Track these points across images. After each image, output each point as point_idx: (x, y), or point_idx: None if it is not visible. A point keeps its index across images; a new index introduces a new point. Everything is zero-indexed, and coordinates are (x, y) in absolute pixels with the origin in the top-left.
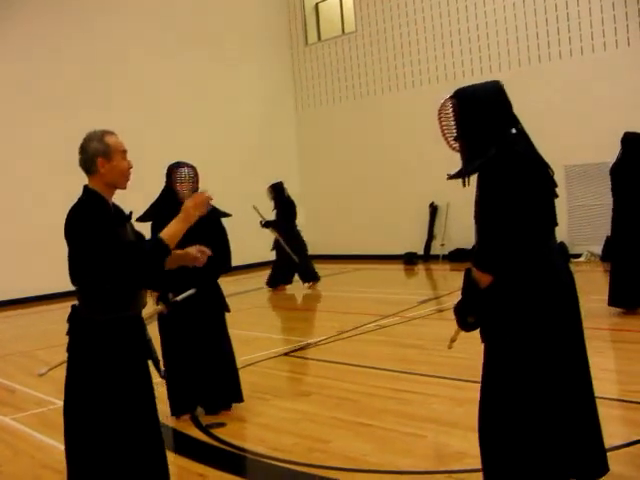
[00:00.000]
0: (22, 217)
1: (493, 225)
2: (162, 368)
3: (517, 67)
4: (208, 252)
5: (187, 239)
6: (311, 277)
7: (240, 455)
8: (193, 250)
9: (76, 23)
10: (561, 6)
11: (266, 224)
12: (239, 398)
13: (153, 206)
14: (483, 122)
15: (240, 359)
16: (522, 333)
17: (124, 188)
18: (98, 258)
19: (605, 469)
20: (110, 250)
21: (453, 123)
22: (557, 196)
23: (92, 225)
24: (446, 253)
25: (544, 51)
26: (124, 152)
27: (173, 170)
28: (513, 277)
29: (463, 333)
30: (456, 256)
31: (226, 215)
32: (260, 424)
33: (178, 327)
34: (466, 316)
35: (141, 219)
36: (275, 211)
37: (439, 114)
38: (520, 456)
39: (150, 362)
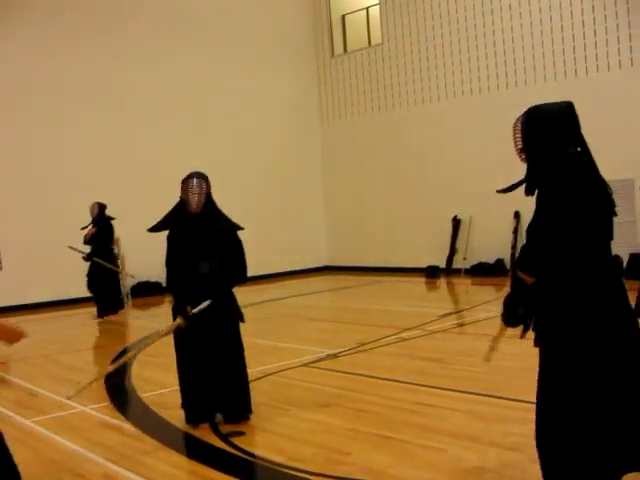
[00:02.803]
0: (34, 221)
1: (541, 234)
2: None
3: (542, 82)
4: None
5: (205, 251)
6: (119, 306)
7: (259, 464)
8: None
9: (95, 25)
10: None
11: (89, 257)
12: (248, 409)
13: (166, 216)
14: (543, 139)
15: (260, 368)
16: (572, 339)
17: None
18: None
19: None
20: None
21: (519, 136)
22: (616, 214)
23: None
24: (468, 267)
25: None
26: None
27: (184, 181)
28: (565, 283)
29: (484, 348)
30: (478, 270)
31: (239, 228)
32: (279, 434)
33: (193, 337)
34: (516, 308)
35: (154, 229)
36: (89, 231)
37: (514, 126)
38: (577, 451)
39: None
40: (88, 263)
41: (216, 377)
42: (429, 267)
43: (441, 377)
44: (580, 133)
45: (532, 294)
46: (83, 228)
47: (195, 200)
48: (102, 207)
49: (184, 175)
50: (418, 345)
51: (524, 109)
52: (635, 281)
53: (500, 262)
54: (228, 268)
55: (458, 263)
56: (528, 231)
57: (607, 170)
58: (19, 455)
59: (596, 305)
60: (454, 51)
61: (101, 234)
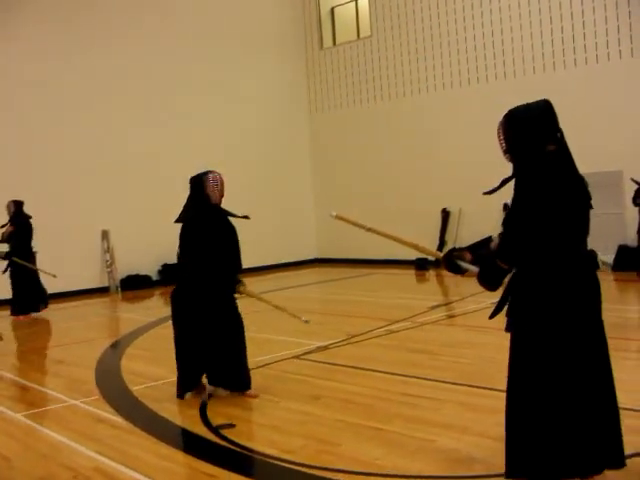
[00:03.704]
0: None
1: (516, 225)
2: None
3: (532, 74)
4: None
5: (223, 239)
6: (40, 304)
7: (249, 456)
8: None
9: (86, 25)
10: (577, 15)
11: (7, 256)
12: (246, 386)
13: (186, 210)
14: (521, 140)
15: (251, 361)
16: (542, 327)
17: None
18: None
19: (622, 462)
20: None
21: (502, 138)
22: (592, 207)
23: None
24: None
25: (559, 59)
26: None
27: (204, 177)
28: (538, 273)
29: (473, 339)
30: None
31: (246, 217)
32: (270, 426)
33: (194, 317)
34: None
35: (178, 220)
36: (6, 229)
37: (497, 130)
38: (541, 443)
39: None
40: (6, 262)
41: (213, 346)
42: (418, 259)
43: (431, 368)
44: (558, 129)
45: (500, 274)
46: (1, 227)
47: (218, 191)
48: (19, 205)
49: (173, 170)
50: (408, 337)
51: (515, 101)
52: (623, 272)
53: None
54: (229, 259)
55: None
56: (504, 222)
57: (597, 162)
58: (9, 449)
59: (566, 296)
60: (443, 43)
61: (19, 233)
